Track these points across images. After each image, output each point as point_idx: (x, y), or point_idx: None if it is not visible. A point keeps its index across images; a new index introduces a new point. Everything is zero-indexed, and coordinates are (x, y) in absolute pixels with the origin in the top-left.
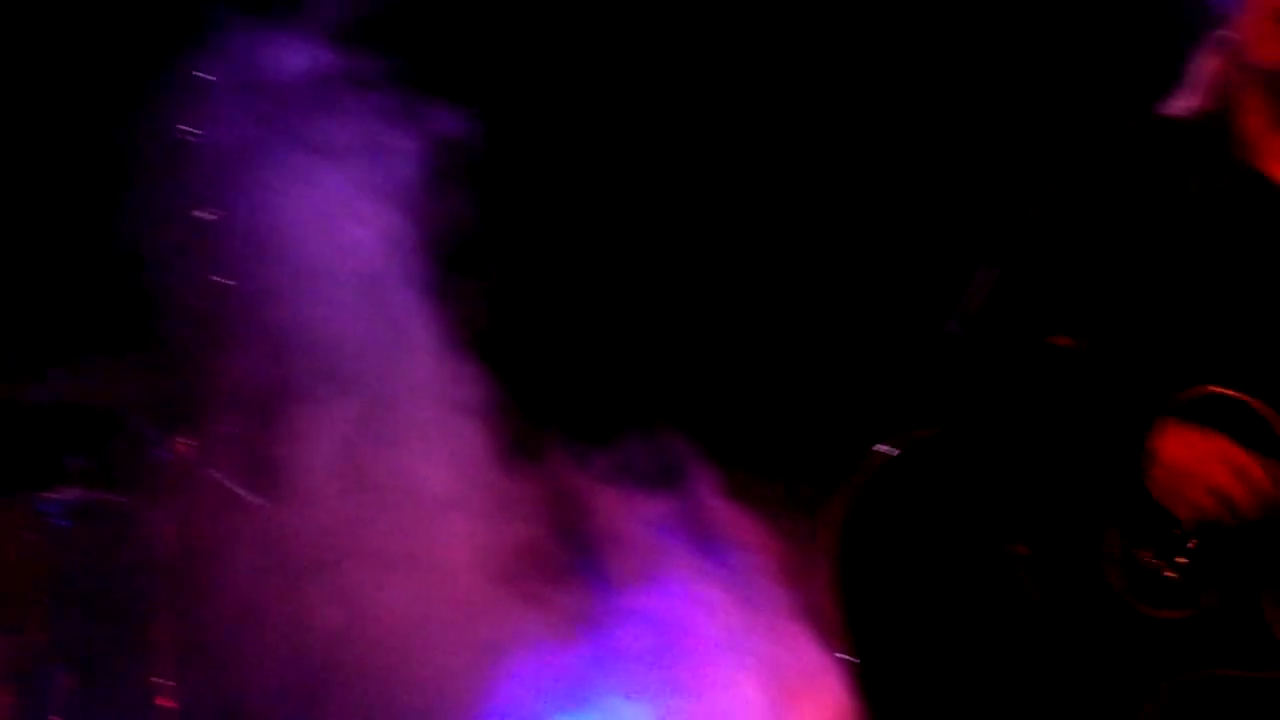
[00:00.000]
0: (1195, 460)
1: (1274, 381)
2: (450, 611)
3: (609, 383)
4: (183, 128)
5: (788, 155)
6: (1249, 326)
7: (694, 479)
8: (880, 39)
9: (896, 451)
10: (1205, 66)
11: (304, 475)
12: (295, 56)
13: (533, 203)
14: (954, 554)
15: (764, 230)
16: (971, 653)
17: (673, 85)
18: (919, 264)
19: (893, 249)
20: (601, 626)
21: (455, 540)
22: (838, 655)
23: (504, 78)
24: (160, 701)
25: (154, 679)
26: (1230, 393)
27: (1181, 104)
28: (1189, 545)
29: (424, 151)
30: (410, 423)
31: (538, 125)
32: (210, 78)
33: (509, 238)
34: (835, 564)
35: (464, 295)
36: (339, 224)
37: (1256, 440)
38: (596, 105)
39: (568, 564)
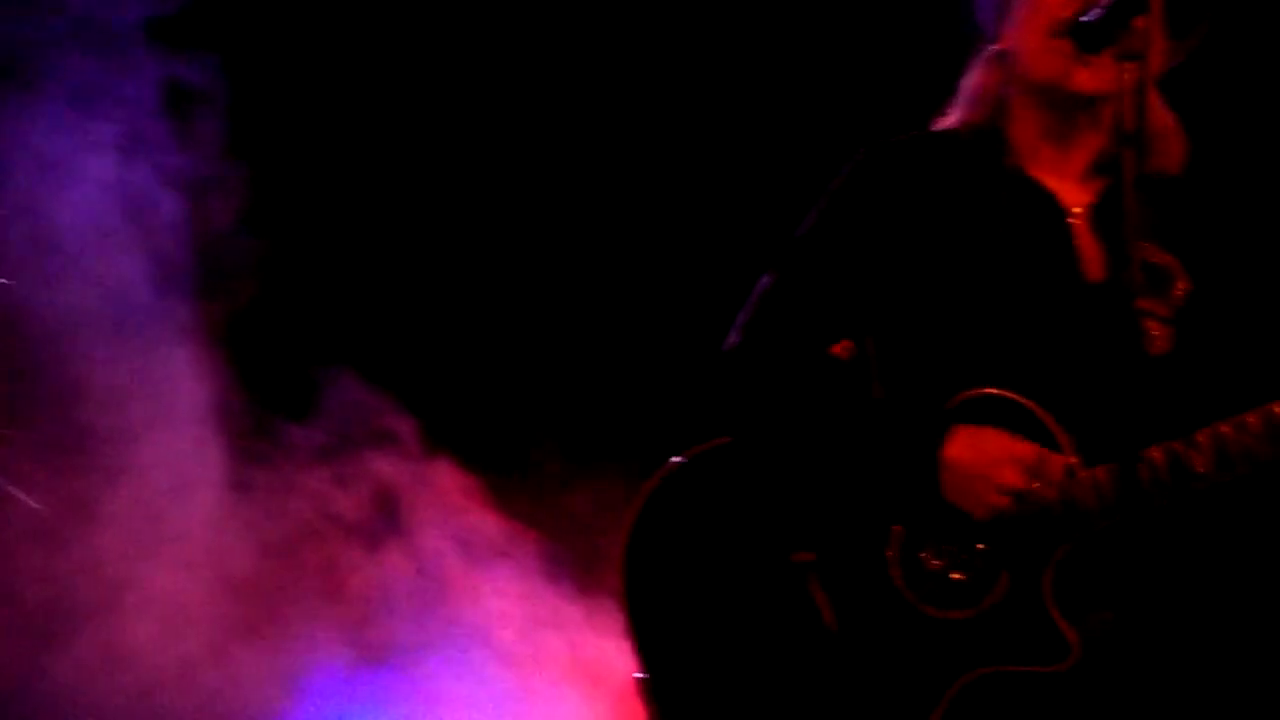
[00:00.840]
0: (985, 460)
1: (1050, 382)
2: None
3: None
4: None
5: (565, 175)
6: (1024, 329)
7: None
8: (648, 52)
9: (683, 461)
10: (977, 81)
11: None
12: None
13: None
14: (741, 563)
15: (542, 240)
16: (762, 662)
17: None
18: (700, 275)
19: (674, 260)
20: (388, 650)
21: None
22: (635, 674)
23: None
24: None
25: None
26: (1008, 394)
27: (954, 117)
28: (974, 545)
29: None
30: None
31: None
32: None
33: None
34: (623, 576)
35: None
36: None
37: (1035, 440)
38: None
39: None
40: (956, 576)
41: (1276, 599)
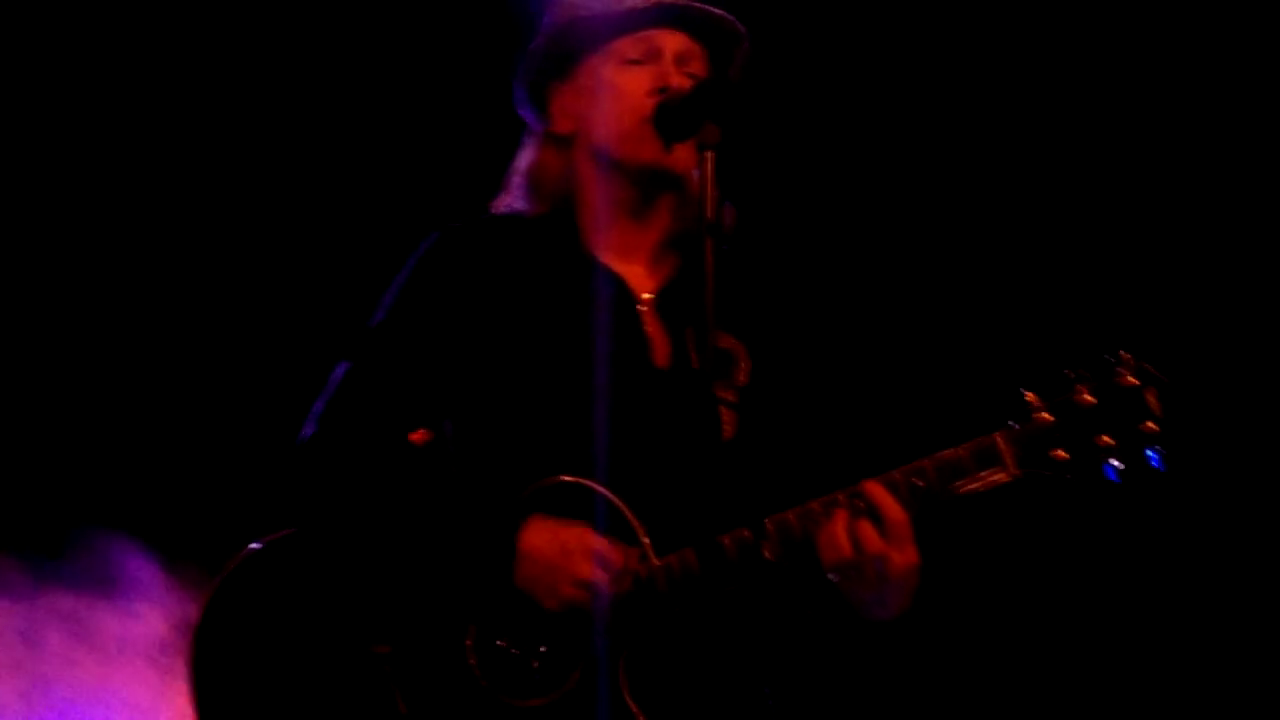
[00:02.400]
0: (559, 553)
1: (624, 469)
2: None
3: None
4: None
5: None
6: (596, 416)
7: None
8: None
9: (259, 547)
10: (536, 163)
11: None
12: None
13: None
14: (317, 654)
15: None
16: None
17: None
18: (278, 364)
19: (247, 347)
20: None
21: None
22: None
23: None
24: None
25: None
26: (583, 482)
27: (515, 200)
28: (549, 634)
29: None
30: None
31: None
32: None
33: None
34: (193, 666)
35: None
36: None
37: (611, 527)
38: None
39: None
40: (534, 665)
41: (845, 679)
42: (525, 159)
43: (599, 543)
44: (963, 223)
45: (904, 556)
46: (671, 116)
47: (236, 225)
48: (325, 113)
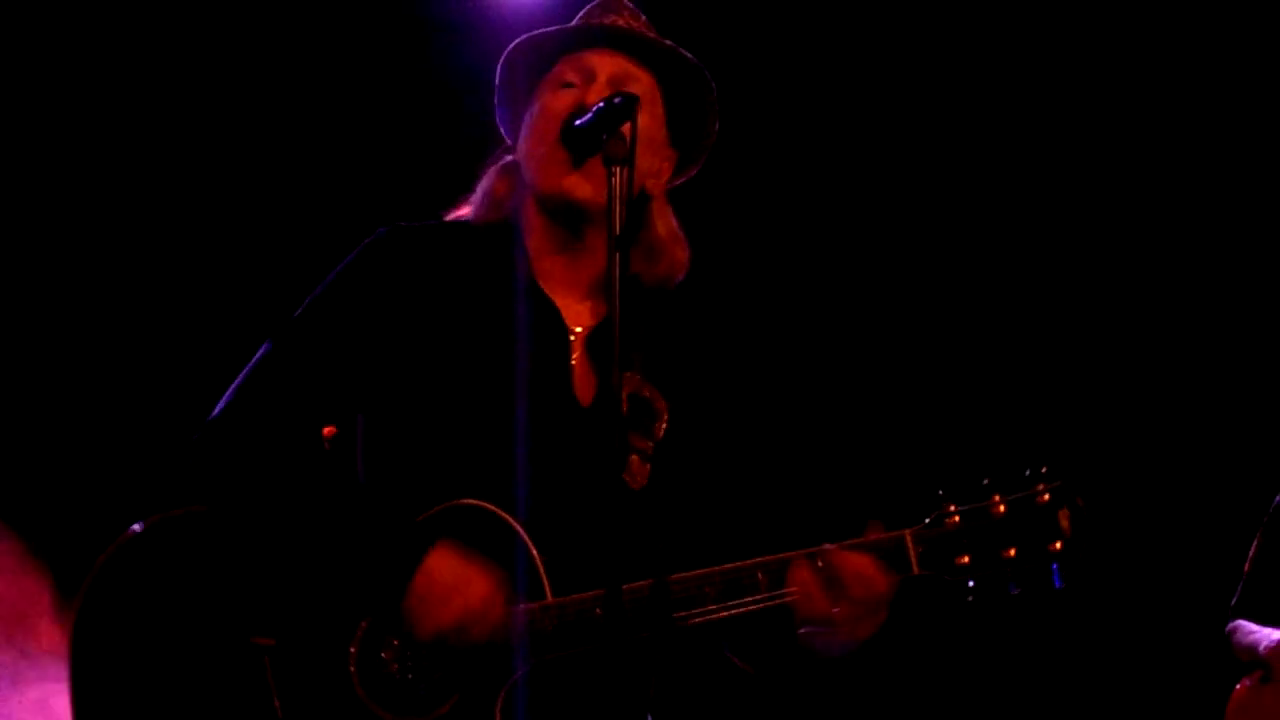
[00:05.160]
0: (449, 586)
1: (532, 501)
2: None
3: None
4: None
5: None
6: (513, 443)
7: None
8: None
9: (140, 529)
10: (489, 187)
11: None
12: None
13: None
14: (197, 640)
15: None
16: None
17: None
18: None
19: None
20: None
21: None
22: None
23: None
24: None
25: None
26: (490, 508)
27: (468, 211)
28: (430, 657)
29: None
30: None
31: None
32: None
33: None
34: (72, 646)
35: None
36: None
37: (508, 556)
38: None
39: None
40: (412, 683)
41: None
42: (483, 182)
43: (484, 585)
44: (912, 302)
45: (881, 616)
46: (575, 133)
47: (156, 209)
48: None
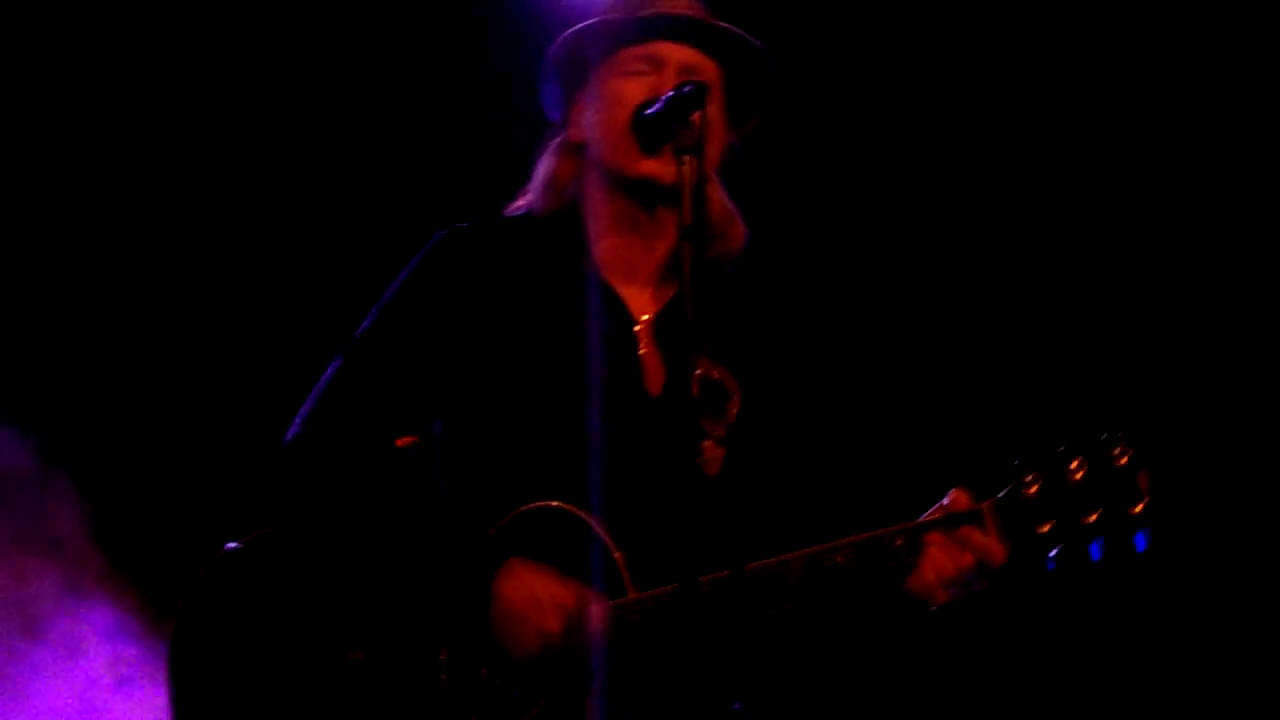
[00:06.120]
0: (530, 604)
1: (608, 496)
2: None
3: None
4: None
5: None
6: (586, 439)
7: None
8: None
9: (236, 548)
10: (550, 170)
11: None
12: None
13: None
14: (290, 655)
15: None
16: None
17: None
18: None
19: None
20: None
21: None
22: None
23: None
24: None
25: None
26: (567, 508)
27: (529, 203)
28: (518, 664)
29: None
30: None
31: None
32: None
33: None
34: (171, 662)
35: None
36: None
37: (586, 554)
38: None
39: None
40: (501, 686)
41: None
42: (542, 166)
43: (567, 595)
44: (978, 275)
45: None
46: (647, 123)
47: (232, 224)
48: (335, 111)
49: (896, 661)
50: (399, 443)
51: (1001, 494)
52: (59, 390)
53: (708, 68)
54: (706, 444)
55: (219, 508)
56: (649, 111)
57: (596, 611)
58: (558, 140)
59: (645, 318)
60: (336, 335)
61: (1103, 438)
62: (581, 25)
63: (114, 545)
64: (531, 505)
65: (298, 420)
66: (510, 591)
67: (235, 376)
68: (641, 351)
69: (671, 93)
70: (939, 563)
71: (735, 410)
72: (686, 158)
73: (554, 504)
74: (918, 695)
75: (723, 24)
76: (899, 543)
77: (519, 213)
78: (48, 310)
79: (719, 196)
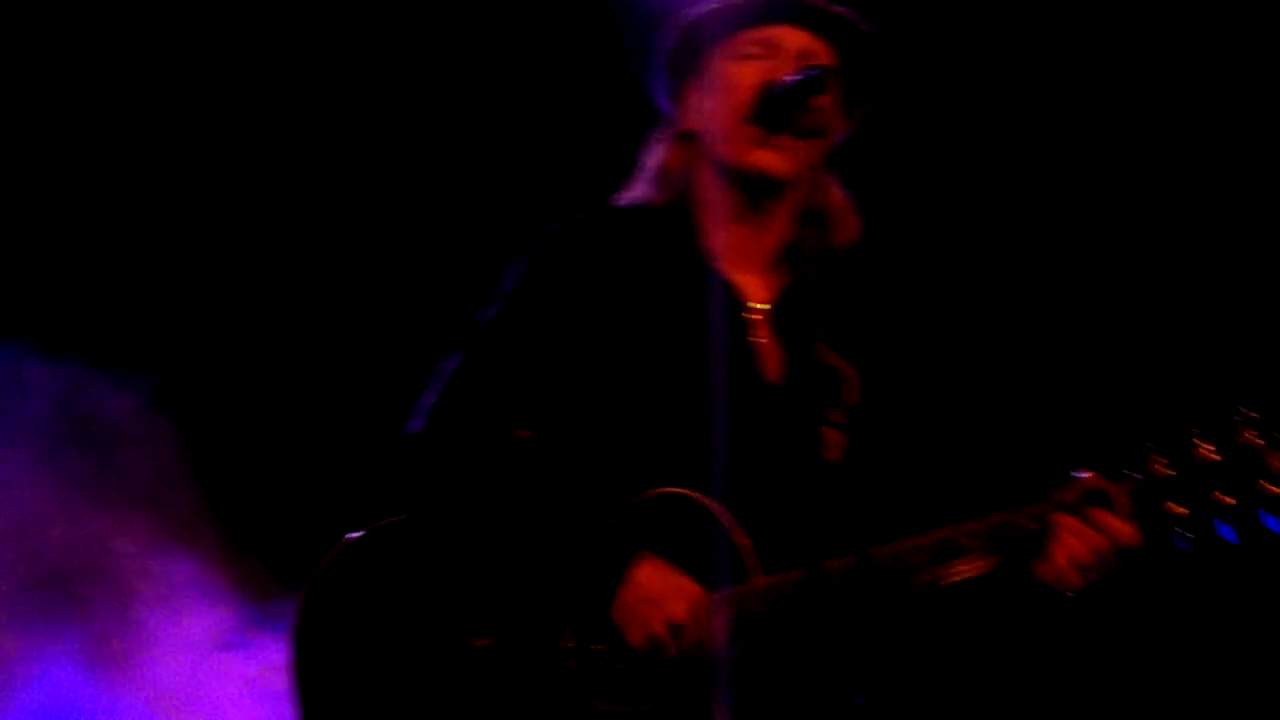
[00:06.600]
0: (657, 593)
1: (731, 484)
2: None
3: None
4: None
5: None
6: (707, 427)
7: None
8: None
9: (358, 537)
10: (661, 160)
11: None
12: None
13: None
14: (415, 644)
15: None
16: None
17: None
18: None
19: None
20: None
21: None
22: None
23: None
24: None
25: None
26: (691, 494)
27: (637, 194)
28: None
29: None
30: None
31: None
32: None
33: None
34: (294, 650)
35: None
36: None
37: (710, 541)
38: None
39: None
40: (624, 672)
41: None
42: (653, 155)
43: (693, 588)
44: (1097, 254)
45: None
46: (770, 108)
47: (363, 215)
48: (453, 104)
49: (1029, 653)
50: (518, 433)
51: (1132, 474)
52: (189, 366)
53: (823, 54)
54: (827, 430)
55: (325, 485)
56: (770, 96)
57: (721, 602)
58: (668, 130)
59: (760, 305)
60: (455, 324)
61: (1235, 419)
62: (696, 9)
63: (227, 518)
64: (653, 492)
65: (420, 411)
66: (637, 578)
67: (354, 365)
68: (758, 339)
69: (796, 77)
70: (1070, 545)
71: (855, 395)
72: (808, 142)
73: (676, 490)
74: (1051, 693)
75: (840, 9)
76: (1029, 525)
77: (629, 203)
78: (188, 292)
79: (834, 186)
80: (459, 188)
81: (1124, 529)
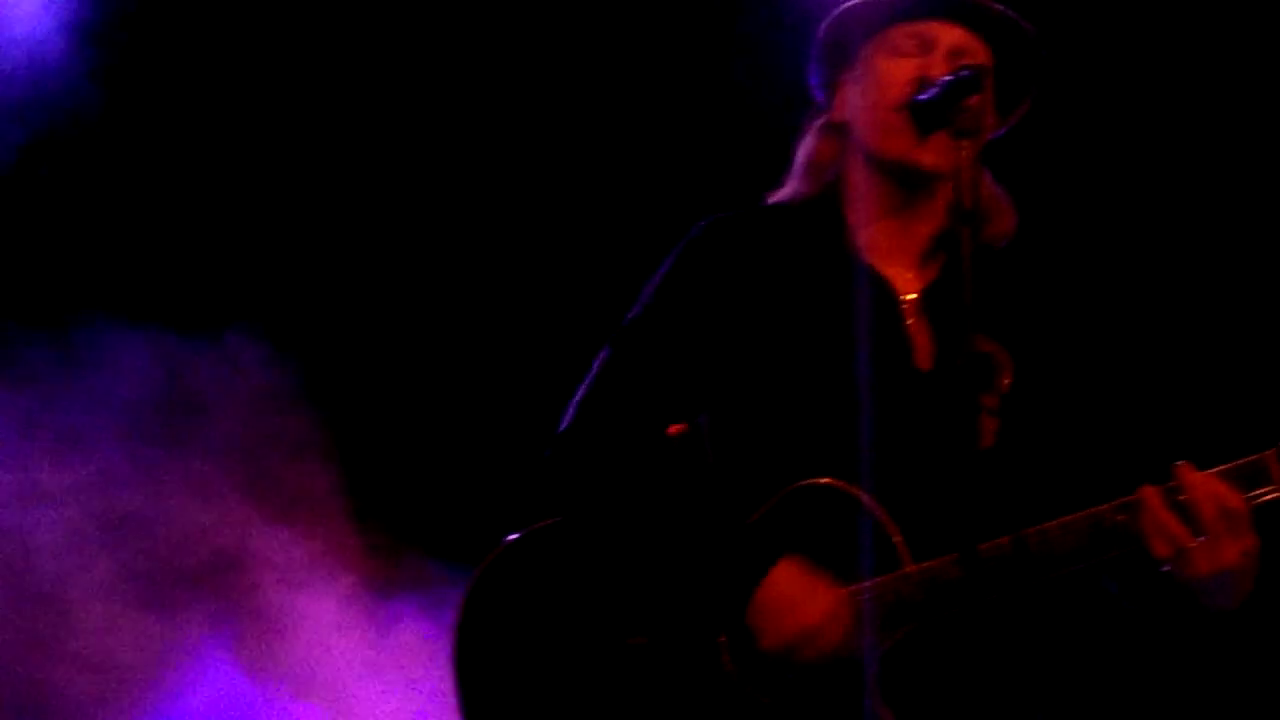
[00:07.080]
0: (793, 597)
1: (882, 473)
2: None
3: None
4: None
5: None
6: (857, 418)
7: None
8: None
9: (517, 539)
10: (812, 151)
11: None
12: None
13: None
14: (573, 643)
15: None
16: None
17: None
18: (538, 352)
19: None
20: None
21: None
22: None
23: None
24: None
25: None
26: (840, 485)
27: (789, 189)
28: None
29: None
30: None
31: None
32: None
33: None
34: (455, 652)
35: None
36: None
37: (859, 533)
38: None
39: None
40: (780, 666)
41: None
42: (803, 147)
43: (839, 599)
44: (1249, 234)
45: (1245, 539)
46: (923, 107)
47: (518, 220)
48: (605, 105)
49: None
50: (670, 430)
51: None
52: (343, 373)
53: (978, 50)
54: (980, 415)
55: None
56: (924, 96)
57: (869, 595)
58: (820, 121)
59: (910, 295)
60: (603, 324)
61: None
62: (851, 2)
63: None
64: (801, 483)
65: (571, 411)
66: (774, 580)
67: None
68: (909, 329)
69: (950, 77)
70: (1163, 530)
71: (1007, 382)
72: (964, 142)
73: (824, 481)
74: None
75: (997, 6)
76: (1118, 518)
77: (777, 201)
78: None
79: (988, 180)
80: (614, 188)
81: (1231, 497)
